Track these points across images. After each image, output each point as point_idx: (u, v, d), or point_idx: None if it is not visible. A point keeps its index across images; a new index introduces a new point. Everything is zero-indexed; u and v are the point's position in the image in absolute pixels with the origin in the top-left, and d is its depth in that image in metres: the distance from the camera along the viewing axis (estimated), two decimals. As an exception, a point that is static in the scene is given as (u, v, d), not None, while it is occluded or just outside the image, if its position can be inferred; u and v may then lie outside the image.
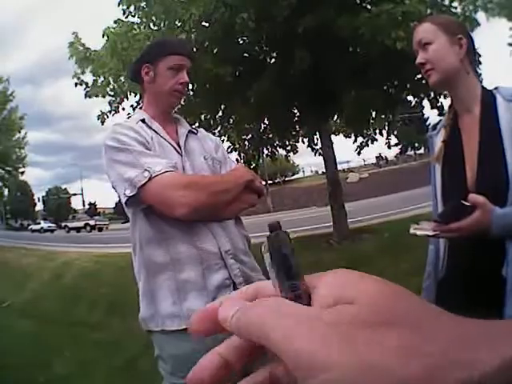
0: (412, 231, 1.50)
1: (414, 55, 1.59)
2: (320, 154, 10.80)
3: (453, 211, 1.40)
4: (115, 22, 8.26)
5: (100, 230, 42.36)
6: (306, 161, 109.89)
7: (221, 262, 1.63)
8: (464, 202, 1.35)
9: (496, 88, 1.51)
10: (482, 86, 1.53)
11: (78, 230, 43.81)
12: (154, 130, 1.75)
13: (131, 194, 1.53)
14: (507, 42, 20.32)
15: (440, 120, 1.78)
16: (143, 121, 1.77)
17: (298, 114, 10.72)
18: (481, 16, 7.82)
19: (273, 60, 9.02)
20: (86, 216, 54.44)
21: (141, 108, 1.94)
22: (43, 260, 14.54)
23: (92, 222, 44.84)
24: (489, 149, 1.43)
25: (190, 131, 1.87)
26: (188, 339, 1.54)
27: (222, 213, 1.65)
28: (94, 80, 8.71)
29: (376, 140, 10.84)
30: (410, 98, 9.93)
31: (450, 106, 1.63)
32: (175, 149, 1.74)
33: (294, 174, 72.42)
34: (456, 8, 7.74)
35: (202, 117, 9.43)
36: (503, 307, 1.35)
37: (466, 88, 1.51)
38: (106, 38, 8.24)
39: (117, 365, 4.05)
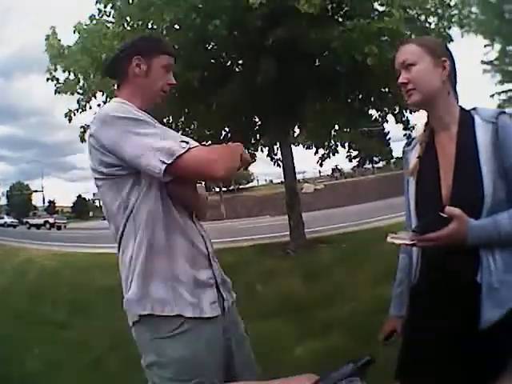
0: (389, 240, 1.53)
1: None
2: (279, 165, 10.93)
3: (430, 222, 1.47)
4: (89, 18, 8.25)
5: (59, 228, 42.30)
6: (260, 170, 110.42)
7: (207, 262, 1.70)
8: (441, 214, 1.43)
9: (474, 109, 1.57)
10: (460, 107, 1.59)
11: (38, 226, 43.73)
12: None
13: (170, 162, 1.51)
14: (480, 60, 20.94)
15: (413, 138, 1.84)
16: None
17: (259, 123, 10.81)
18: (457, 33, 8.09)
19: (240, 68, 9.07)
20: (46, 213, 54.13)
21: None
22: (8, 255, 14.90)
23: (51, 220, 44.99)
24: (465, 167, 1.49)
25: None
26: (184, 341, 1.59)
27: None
28: (65, 78, 8.63)
29: (337, 152, 11.06)
30: (371, 111, 10.14)
31: (426, 124, 1.69)
32: None
33: (248, 183, 72.40)
34: (431, 24, 7.94)
35: (165, 120, 9.34)
36: (479, 312, 1.43)
37: (445, 108, 1.57)
38: (77, 34, 8.23)
39: (85, 363, 4.03)
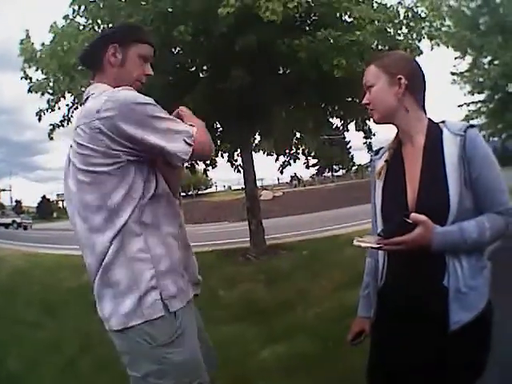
0: (356, 243, 1.56)
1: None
2: (239, 171, 10.95)
3: (396, 227, 1.50)
4: (64, 17, 8.24)
5: (25, 228, 42.61)
6: (219, 176, 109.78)
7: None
8: (407, 220, 1.48)
9: (443, 121, 1.61)
10: (429, 119, 1.64)
11: (6, 226, 43.34)
12: None
13: (191, 143, 1.58)
14: (450, 71, 20.91)
15: (381, 147, 1.88)
16: None
17: (220, 128, 10.80)
18: (427, 44, 8.21)
19: (205, 74, 9.05)
20: (14, 213, 53.84)
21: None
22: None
23: (18, 220, 45.22)
24: (431, 176, 1.53)
25: None
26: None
27: None
28: (37, 78, 8.66)
29: (299, 159, 11.17)
30: (332, 120, 10.24)
31: (396, 134, 1.72)
32: None
33: (206, 188, 71.99)
34: (400, 35, 8.01)
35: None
36: (447, 315, 1.48)
37: (407, 122, 1.62)
38: (52, 33, 8.24)
39: (61, 364, 3.98)
